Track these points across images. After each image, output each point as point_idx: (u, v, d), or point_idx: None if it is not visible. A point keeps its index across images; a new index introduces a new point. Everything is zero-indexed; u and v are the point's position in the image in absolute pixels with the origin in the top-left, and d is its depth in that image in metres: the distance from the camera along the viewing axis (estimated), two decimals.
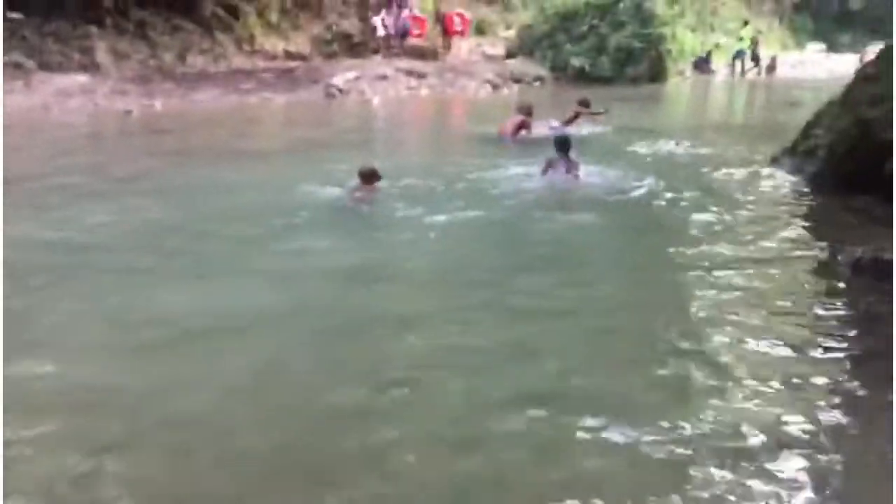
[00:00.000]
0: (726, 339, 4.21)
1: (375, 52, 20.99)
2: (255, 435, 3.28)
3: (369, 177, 7.20)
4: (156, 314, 4.53)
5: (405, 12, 21.44)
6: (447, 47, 21.90)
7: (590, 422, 3.31)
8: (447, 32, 22.13)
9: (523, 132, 10.87)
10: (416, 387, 3.67)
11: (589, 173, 8.14)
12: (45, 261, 5.41)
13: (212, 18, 19.11)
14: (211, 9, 19.15)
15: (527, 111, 11.27)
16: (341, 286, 5.10)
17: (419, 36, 21.93)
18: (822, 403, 3.52)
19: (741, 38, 26.47)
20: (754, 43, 26.89)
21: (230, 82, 16.85)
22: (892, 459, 3.04)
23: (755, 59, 26.68)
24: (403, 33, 21.47)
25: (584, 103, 12.18)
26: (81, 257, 5.56)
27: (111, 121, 12.79)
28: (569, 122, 11.52)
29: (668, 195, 7.75)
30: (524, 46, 23.17)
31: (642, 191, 7.86)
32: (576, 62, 21.61)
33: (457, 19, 22.13)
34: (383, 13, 21.24)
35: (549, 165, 7.98)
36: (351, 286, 5.10)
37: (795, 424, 3.31)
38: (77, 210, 6.76)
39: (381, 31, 21.16)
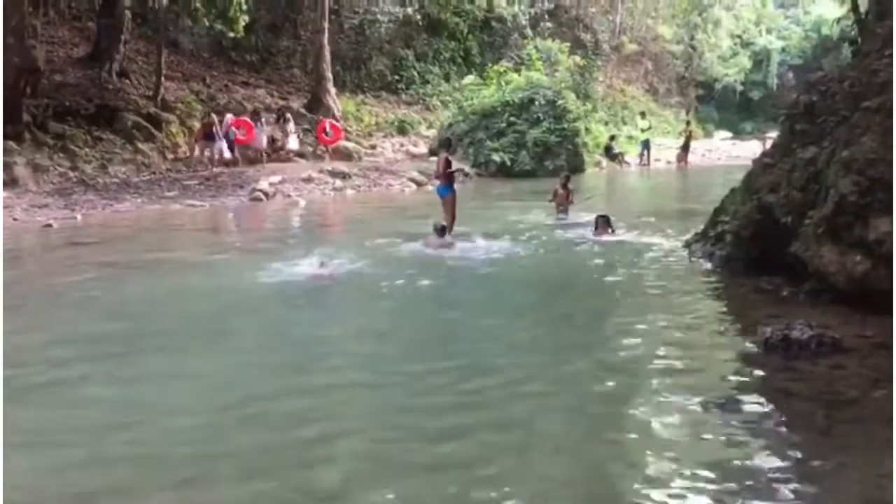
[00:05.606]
0: (639, 422, 4.31)
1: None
2: None
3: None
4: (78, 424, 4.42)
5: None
6: (322, 154, 22.20)
7: None
8: (319, 140, 22.39)
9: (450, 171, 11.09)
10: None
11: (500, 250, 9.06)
12: None
13: (133, 128, 19.15)
14: (132, 119, 19.22)
15: (446, 145, 11.74)
16: (266, 383, 5.14)
17: (332, 141, 22.30)
18: (741, 482, 3.60)
19: (642, 130, 27.79)
20: (686, 133, 28.46)
21: (154, 191, 16.78)
22: None
23: (686, 147, 28.05)
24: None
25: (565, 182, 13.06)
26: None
27: (30, 235, 12.50)
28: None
29: (584, 281, 7.96)
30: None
31: (557, 277, 8.07)
32: (497, 157, 22.31)
33: (328, 127, 22.36)
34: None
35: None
36: (274, 383, 5.14)
37: None
38: None
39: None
